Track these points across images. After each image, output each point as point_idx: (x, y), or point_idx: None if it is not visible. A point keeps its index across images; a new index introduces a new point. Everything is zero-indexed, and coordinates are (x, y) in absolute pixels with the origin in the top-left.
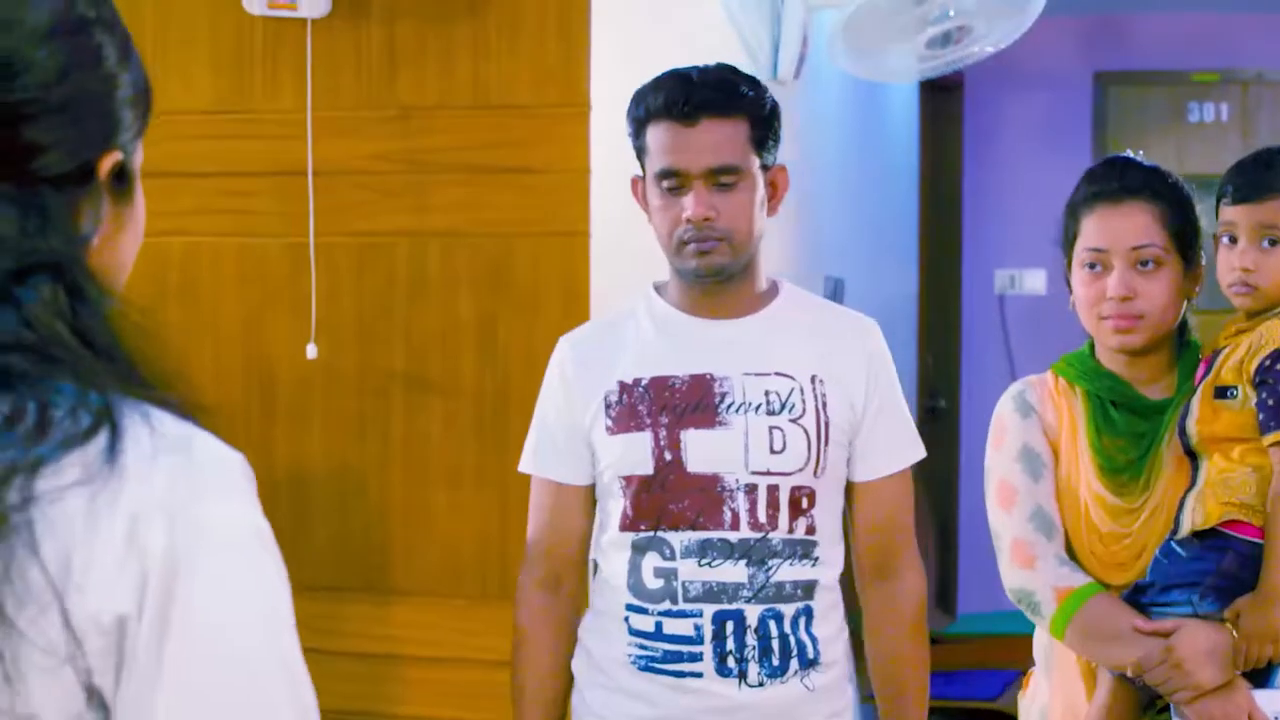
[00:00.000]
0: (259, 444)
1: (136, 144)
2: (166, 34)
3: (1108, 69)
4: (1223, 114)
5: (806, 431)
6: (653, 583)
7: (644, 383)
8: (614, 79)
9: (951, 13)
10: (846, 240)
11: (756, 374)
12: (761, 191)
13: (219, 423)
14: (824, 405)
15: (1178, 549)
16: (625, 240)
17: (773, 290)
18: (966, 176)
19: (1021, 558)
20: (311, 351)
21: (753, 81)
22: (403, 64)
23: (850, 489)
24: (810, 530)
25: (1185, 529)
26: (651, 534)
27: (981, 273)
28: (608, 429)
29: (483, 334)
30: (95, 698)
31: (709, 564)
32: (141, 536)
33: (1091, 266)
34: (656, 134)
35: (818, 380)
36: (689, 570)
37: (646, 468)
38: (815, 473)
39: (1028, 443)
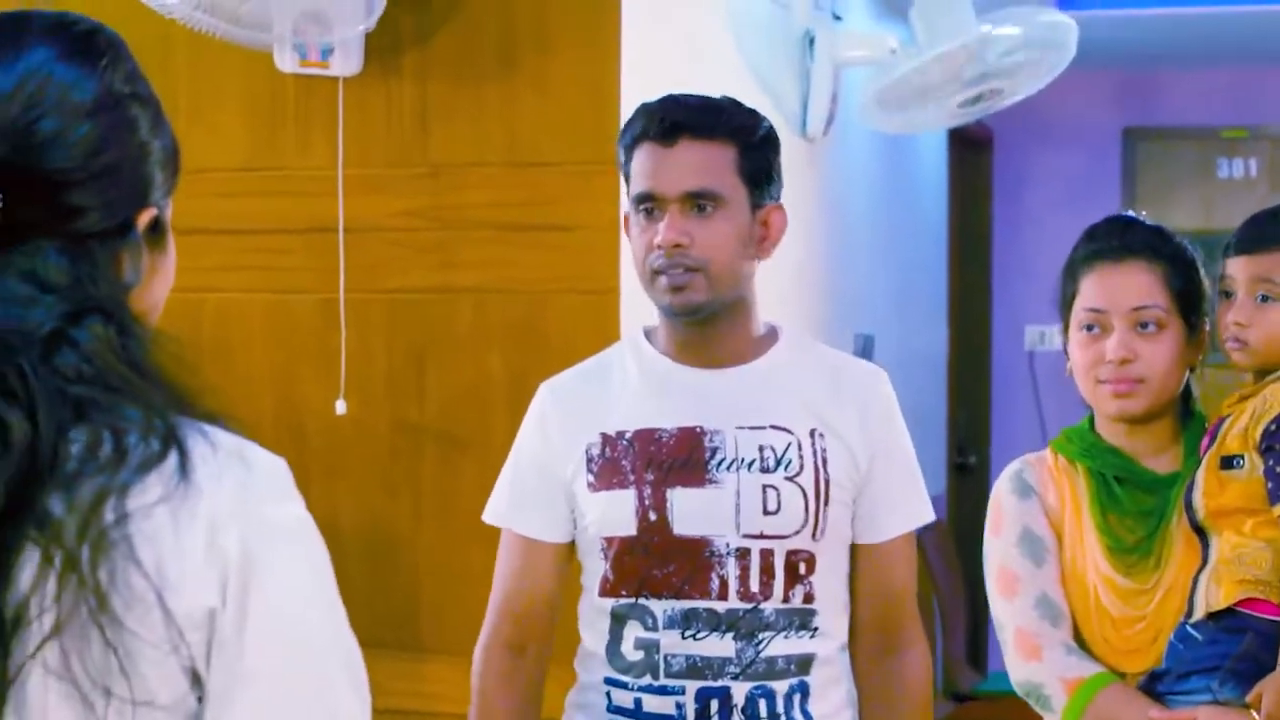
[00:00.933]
0: None
1: (168, 198)
2: (199, 92)
3: (1137, 124)
4: (1251, 169)
5: (804, 490)
6: (633, 655)
7: (628, 435)
8: None
9: (987, 77)
10: (876, 296)
11: (750, 427)
12: (747, 226)
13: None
14: (824, 462)
15: (1193, 633)
16: None
17: (771, 336)
18: (996, 232)
19: (1026, 648)
20: (340, 407)
21: (747, 111)
22: (434, 121)
23: (853, 552)
24: (809, 598)
25: (1200, 611)
26: (633, 601)
27: (1011, 329)
28: (589, 485)
29: (513, 390)
30: (196, 680)
31: (693, 636)
32: (219, 541)
33: (1089, 328)
34: (638, 158)
35: (817, 434)
36: (671, 642)
37: (629, 528)
38: (814, 535)
39: (1028, 526)
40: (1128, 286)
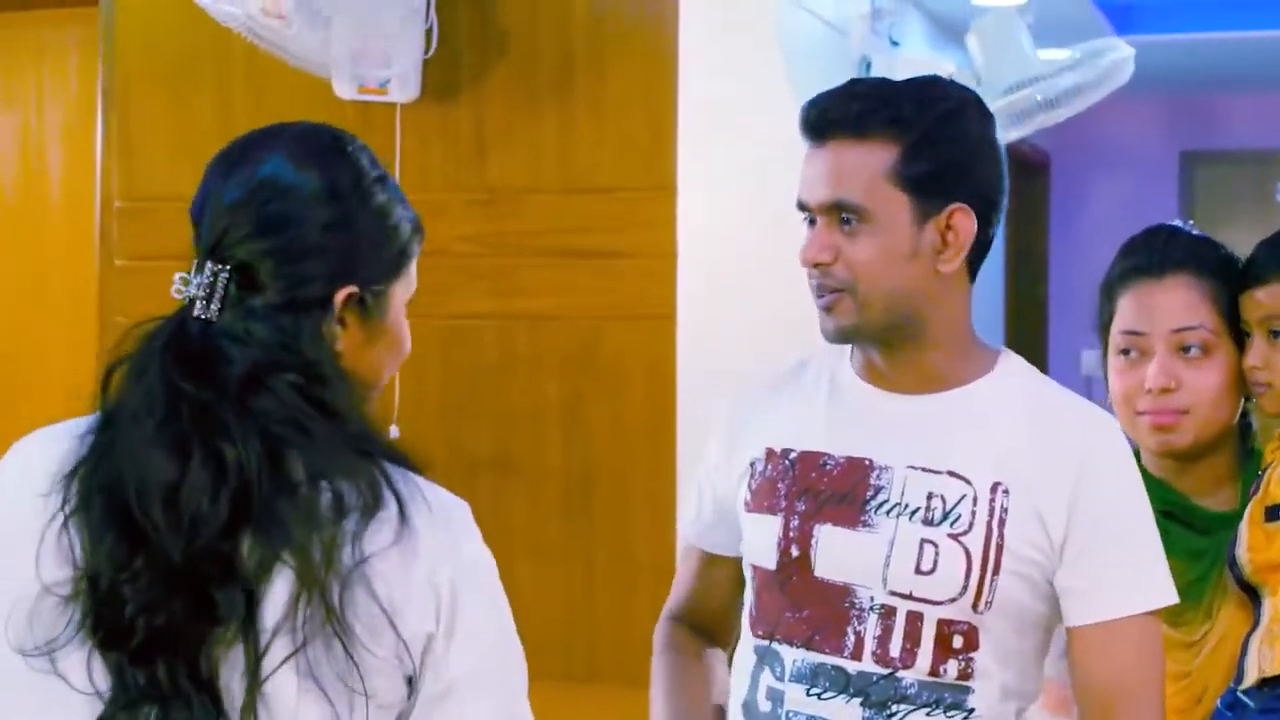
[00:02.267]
0: None
1: (388, 279)
2: (258, 119)
3: (1194, 148)
4: None
5: (968, 552)
6: (763, 704)
7: (793, 455)
8: (700, 162)
9: (1039, 98)
10: None
11: (924, 469)
12: (908, 240)
13: None
14: (1001, 524)
15: (1244, 699)
16: (712, 323)
17: (985, 364)
18: (1052, 256)
19: (1054, 700)
20: (394, 432)
21: (928, 97)
22: (491, 147)
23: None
24: (964, 675)
25: (1251, 677)
26: (767, 644)
27: (1068, 354)
28: (746, 503)
29: (569, 415)
30: (410, 683)
31: (818, 695)
32: (435, 579)
33: (1126, 352)
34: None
35: (1000, 490)
36: (796, 698)
37: (769, 560)
38: (976, 606)
39: None
40: (1168, 305)
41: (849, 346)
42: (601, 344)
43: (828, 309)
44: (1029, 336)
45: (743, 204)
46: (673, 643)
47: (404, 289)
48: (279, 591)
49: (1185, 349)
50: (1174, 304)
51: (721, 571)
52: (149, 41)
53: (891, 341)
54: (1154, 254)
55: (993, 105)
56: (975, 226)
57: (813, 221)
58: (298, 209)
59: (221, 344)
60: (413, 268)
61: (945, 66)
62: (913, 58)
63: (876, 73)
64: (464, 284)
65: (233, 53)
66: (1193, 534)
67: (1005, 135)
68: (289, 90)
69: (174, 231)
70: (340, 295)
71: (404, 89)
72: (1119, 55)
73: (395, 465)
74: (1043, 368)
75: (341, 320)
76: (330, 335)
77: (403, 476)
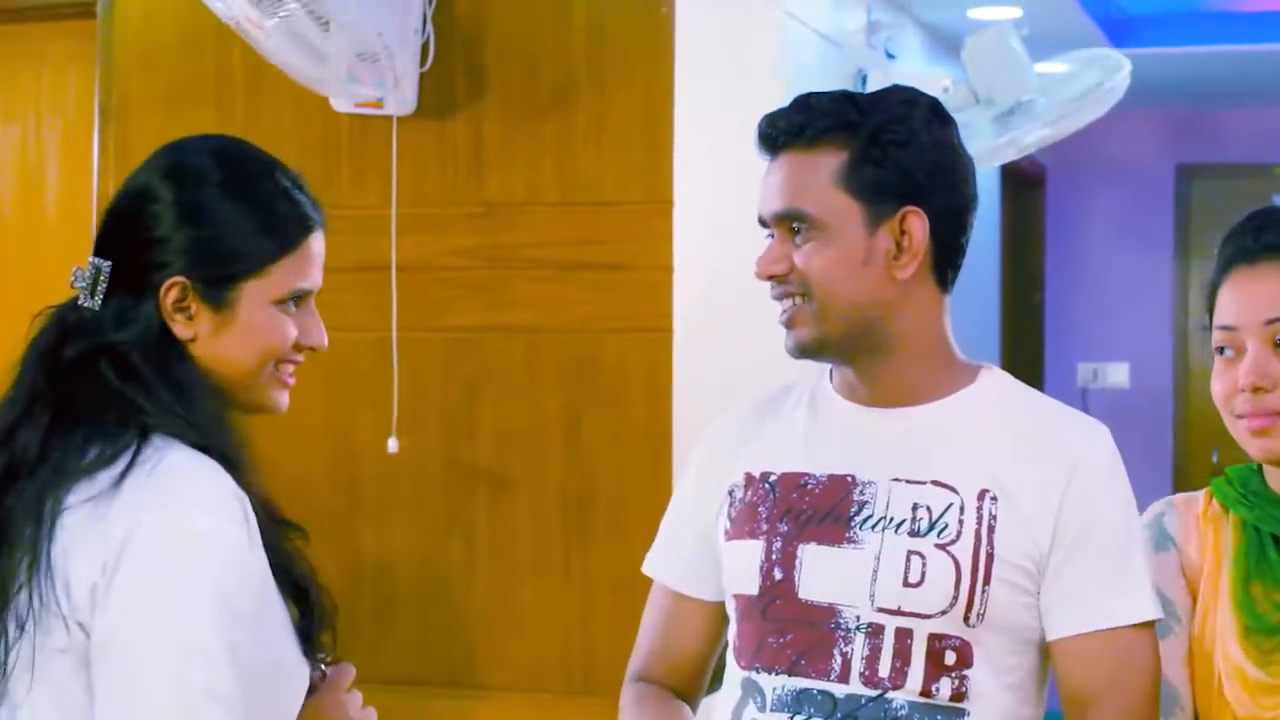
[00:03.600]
0: (343, 537)
1: (238, 276)
2: (255, 130)
3: (1190, 161)
4: None
5: (957, 562)
6: None
7: (773, 478)
8: (698, 176)
9: (1032, 140)
10: None
11: (908, 481)
12: (861, 246)
13: (300, 516)
14: (990, 531)
15: None
16: (709, 337)
17: (966, 376)
18: (1049, 268)
19: None
20: (393, 445)
21: (876, 102)
22: (488, 161)
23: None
24: (958, 696)
25: None
26: (749, 674)
27: (1064, 366)
28: (725, 532)
29: (567, 429)
30: (83, 629)
31: None
32: (113, 530)
33: (1222, 350)
34: None
35: (988, 498)
36: None
37: (752, 586)
38: (967, 619)
39: (1157, 587)
40: (1261, 294)
41: (828, 367)
42: (599, 357)
43: (788, 323)
44: (1025, 349)
45: (740, 217)
46: (640, 696)
47: (267, 287)
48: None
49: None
50: (1266, 293)
51: (695, 618)
52: (147, 55)
53: (858, 354)
54: (1246, 239)
55: (990, 129)
56: (929, 230)
57: (769, 238)
58: (137, 208)
59: (73, 332)
60: (285, 269)
61: (941, 80)
62: (908, 71)
63: (873, 84)
64: (462, 297)
65: (231, 67)
66: None
67: (1004, 156)
68: (286, 104)
69: None
70: (165, 286)
71: (400, 103)
72: (1117, 80)
73: (183, 440)
74: (1038, 380)
75: (184, 309)
76: (164, 321)
77: (163, 447)
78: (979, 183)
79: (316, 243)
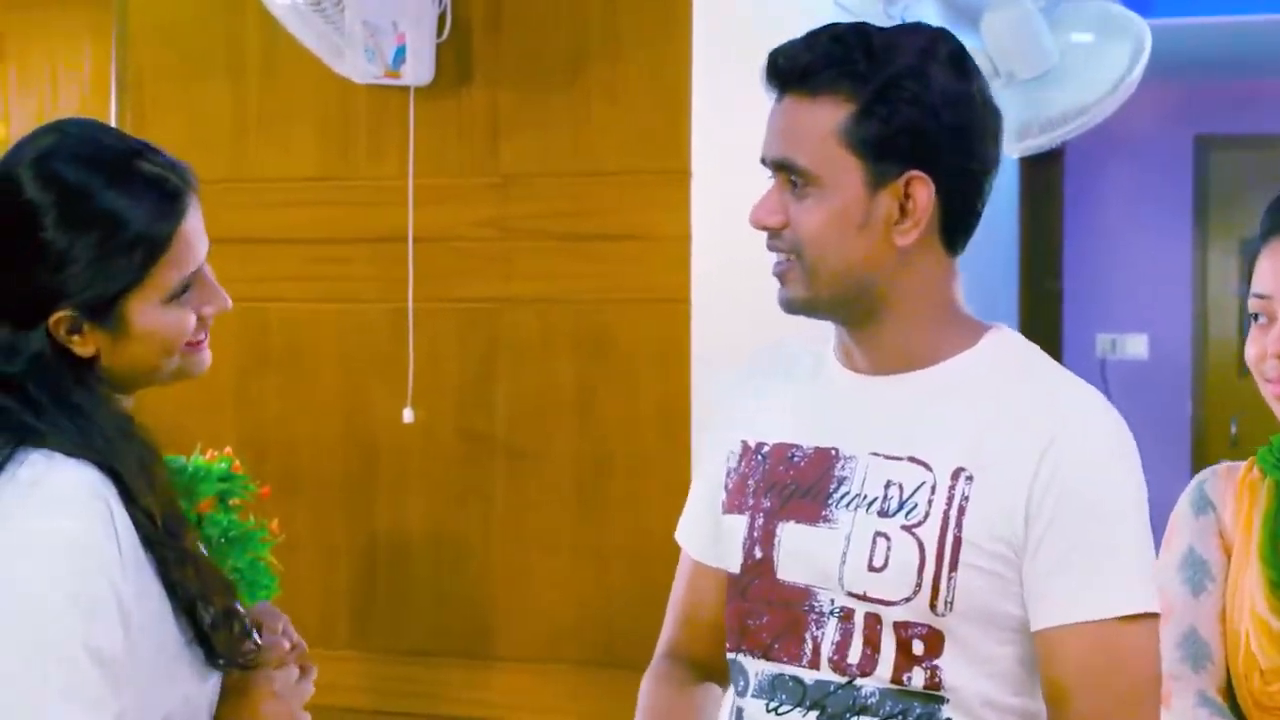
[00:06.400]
0: (359, 508)
1: (115, 299)
2: (271, 102)
3: (1208, 132)
4: None
5: (921, 545)
6: None
7: (767, 448)
8: (714, 146)
9: (1058, 131)
10: None
11: (886, 456)
12: (860, 207)
13: (316, 486)
14: (960, 512)
15: None
16: (726, 307)
17: (969, 338)
18: (1067, 240)
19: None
20: (408, 416)
21: (894, 48)
22: (504, 132)
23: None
24: (933, 686)
25: None
26: (734, 656)
27: (1083, 337)
28: (723, 504)
29: (582, 400)
30: None
31: (775, 710)
32: None
33: (1255, 318)
34: None
35: (963, 476)
36: (755, 713)
37: (735, 564)
38: (934, 606)
39: (1194, 547)
40: None
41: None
42: (615, 327)
43: (780, 279)
44: (1043, 320)
45: (756, 187)
46: (658, 675)
47: (151, 292)
48: None
49: None
50: None
51: (714, 587)
52: (162, 27)
53: (850, 317)
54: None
55: (1011, 104)
56: (936, 196)
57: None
58: (6, 239)
59: None
60: (164, 268)
61: None
62: None
63: None
64: (478, 268)
65: (246, 39)
66: None
67: (1034, 144)
68: (301, 76)
69: None
70: (52, 321)
71: (417, 73)
72: (1135, 74)
73: (67, 455)
74: (1057, 354)
75: (75, 329)
76: (58, 344)
77: (36, 460)
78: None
79: (191, 221)
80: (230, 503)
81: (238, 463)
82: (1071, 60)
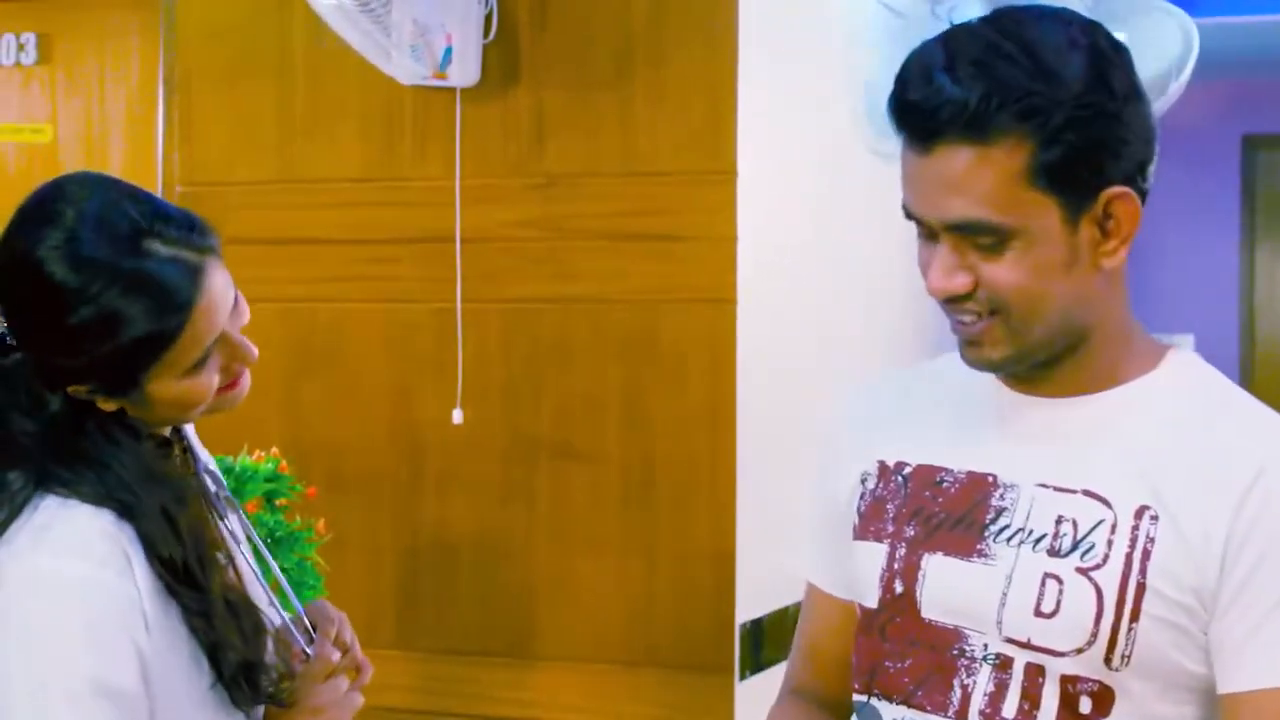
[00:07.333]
0: (405, 508)
1: (131, 384)
2: (317, 103)
3: (1256, 132)
4: None
5: (1100, 591)
6: None
7: (908, 470)
8: (761, 145)
9: None
10: None
11: (1055, 488)
12: (1063, 246)
13: (363, 486)
14: (1144, 556)
15: None
16: (773, 308)
17: (1150, 360)
18: None
19: None
20: (458, 417)
21: (1063, 64)
22: (550, 131)
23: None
24: None
25: None
26: (865, 699)
27: None
28: (854, 529)
29: (629, 401)
30: None
31: None
32: None
33: None
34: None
35: (1147, 515)
36: None
37: (871, 598)
38: (1109, 660)
39: None
40: None
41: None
42: (661, 328)
43: (973, 340)
44: None
45: (803, 187)
46: (785, 714)
47: (169, 368)
48: None
49: None
50: None
51: (833, 616)
52: (210, 28)
53: (1052, 357)
54: None
55: None
56: (1139, 205)
57: (925, 236)
58: (30, 314)
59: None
60: (182, 346)
61: None
62: None
63: None
64: (523, 268)
65: (293, 40)
66: None
67: None
68: (348, 78)
69: (235, 217)
70: (70, 390)
71: (464, 74)
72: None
73: (85, 501)
74: None
75: (96, 394)
76: (80, 401)
77: (52, 505)
78: None
79: (209, 294)
80: (277, 503)
81: (284, 463)
82: None
